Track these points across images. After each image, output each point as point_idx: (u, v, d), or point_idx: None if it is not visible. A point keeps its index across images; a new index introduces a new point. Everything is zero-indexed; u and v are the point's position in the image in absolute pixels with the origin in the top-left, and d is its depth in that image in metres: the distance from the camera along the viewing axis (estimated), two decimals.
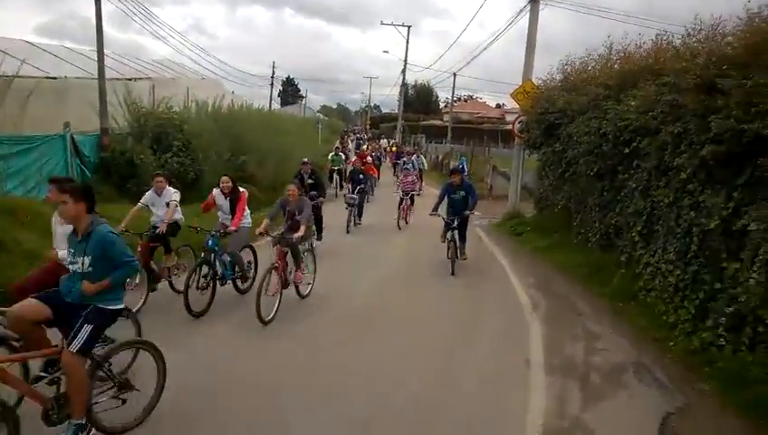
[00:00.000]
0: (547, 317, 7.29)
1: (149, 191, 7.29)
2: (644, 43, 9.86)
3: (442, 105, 69.69)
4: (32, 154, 10.54)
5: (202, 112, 17.03)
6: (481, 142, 31.96)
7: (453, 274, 9.10)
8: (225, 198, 7.41)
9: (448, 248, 9.38)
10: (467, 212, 9.56)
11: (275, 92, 52.64)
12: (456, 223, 9.37)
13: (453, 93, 41.86)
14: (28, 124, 10.57)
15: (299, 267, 7.19)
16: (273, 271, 6.60)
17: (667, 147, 7.08)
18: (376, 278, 8.92)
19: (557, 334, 6.63)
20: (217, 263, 6.95)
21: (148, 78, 17.67)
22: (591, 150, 9.54)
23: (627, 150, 8.27)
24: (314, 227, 9.69)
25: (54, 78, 13.33)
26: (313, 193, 10.01)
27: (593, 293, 8.40)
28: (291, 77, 74.71)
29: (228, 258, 7.10)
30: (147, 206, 7.27)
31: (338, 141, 32.76)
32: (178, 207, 7.25)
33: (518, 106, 15.48)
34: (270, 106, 38.73)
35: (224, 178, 7.47)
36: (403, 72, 38.70)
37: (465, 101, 70.05)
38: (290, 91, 75.17)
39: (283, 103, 65.29)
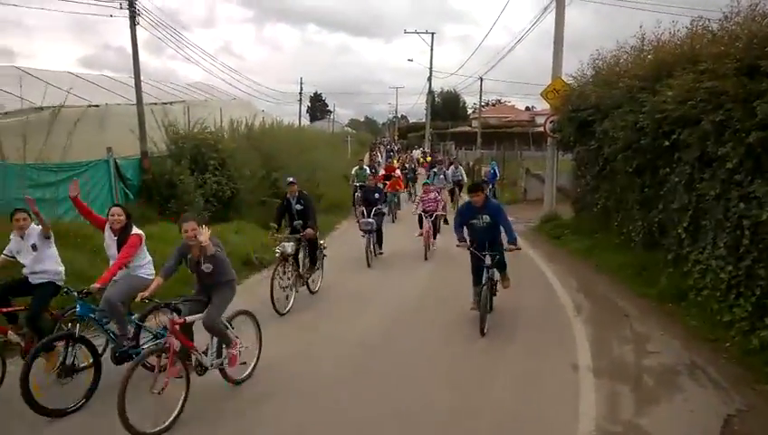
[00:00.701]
0: (592, 320, 7.10)
1: (12, 235, 5.27)
2: (678, 30, 9.60)
3: (469, 111, 69.29)
4: (80, 179, 10.94)
5: (235, 132, 17.41)
6: (512, 146, 31.60)
7: (483, 334, 6.41)
8: (114, 235, 5.48)
9: (479, 302, 6.65)
10: (507, 247, 6.88)
11: (304, 109, 53.35)
12: (489, 260, 6.67)
13: (480, 98, 41.66)
14: (73, 151, 10.99)
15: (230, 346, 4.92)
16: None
17: (709, 136, 6.82)
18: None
19: (604, 337, 6.44)
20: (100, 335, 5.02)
21: (183, 101, 18.17)
22: (629, 146, 9.29)
23: (667, 143, 8.00)
24: (308, 261, 8.25)
25: (96, 106, 13.85)
26: (298, 223, 8.11)
27: (639, 294, 8.15)
28: (318, 92, 75.69)
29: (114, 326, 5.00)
30: (11, 257, 5.27)
31: (366, 154, 32.84)
32: (55, 253, 5.38)
33: (548, 106, 15.27)
34: (299, 122, 39.27)
35: (113, 210, 5.55)
36: (429, 79, 38.74)
37: (493, 105, 69.50)
38: (318, 107, 76.14)
39: (312, 119, 66.24)
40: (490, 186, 21.71)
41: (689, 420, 4.52)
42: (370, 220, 10.65)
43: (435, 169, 17.59)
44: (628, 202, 9.96)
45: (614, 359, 5.80)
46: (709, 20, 8.47)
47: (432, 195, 11.97)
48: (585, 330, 6.69)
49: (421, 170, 27.18)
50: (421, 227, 11.41)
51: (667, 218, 8.37)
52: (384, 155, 34.74)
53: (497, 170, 22.38)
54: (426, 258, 10.90)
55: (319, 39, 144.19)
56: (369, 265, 10.26)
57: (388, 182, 16.26)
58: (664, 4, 19.73)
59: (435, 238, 11.65)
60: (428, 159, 29.85)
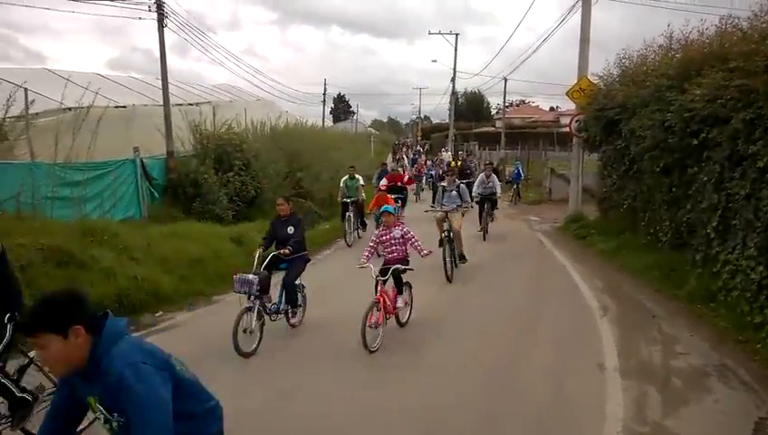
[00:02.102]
0: (619, 321, 6.97)
1: None
2: (706, 29, 9.41)
3: (493, 111, 68.77)
4: (107, 178, 11.22)
5: (259, 132, 17.62)
6: (536, 146, 31.29)
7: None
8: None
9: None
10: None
11: (327, 110, 53.65)
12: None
13: (504, 98, 41.26)
14: (101, 151, 11.25)
15: None
16: None
17: (739, 135, 6.66)
18: None
19: (631, 338, 6.32)
20: None
21: (208, 102, 18.46)
22: (656, 145, 9.11)
23: (695, 142, 7.82)
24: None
25: (123, 106, 14.17)
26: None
27: (667, 295, 7.98)
28: (341, 93, 76.03)
29: None
30: None
31: (389, 155, 32.37)
32: None
33: (573, 106, 15.06)
34: (323, 123, 39.50)
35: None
36: (453, 80, 38.49)
37: (517, 105, 68.83)
38: (341, 108, 76.51)
39: (336, 120, 66.53)
40: (515, 185, 21.55)
41: (719, 423, 4.40)
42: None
43: (444, 184, 10.94)
44: (655, 202, 9.76)
45: (641, 360, 5.68)
46: (738, 18, 8.30)
47: (396, 232, 6.78)
48: (612, 331, 6.57)
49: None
50: (376, 290, 6.21)
51: (696, 218, 8.17)
52: (410, 157, 32.72)
53: (521, 170, 22.17)
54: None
55: (342, 41, 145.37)
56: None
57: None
58: (692, 3, 19.25)
59: (401, 315, 6.72)
60: (459, 163, 21.79)
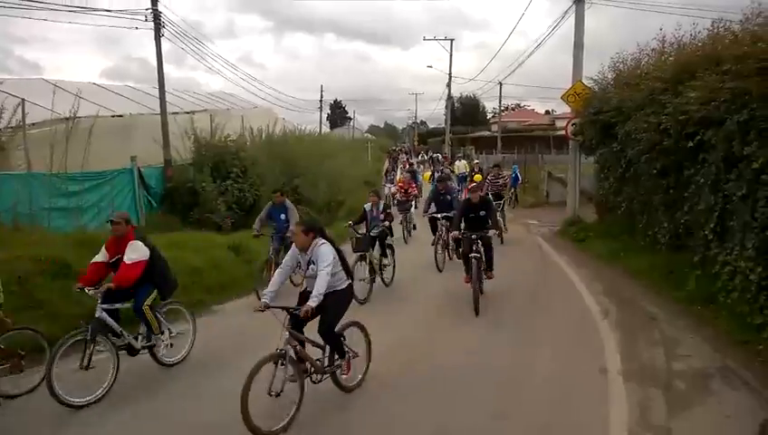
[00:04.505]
0: (620, 324, 6.97)
1: None
2: (699, 32, 9.50)
3: (489, 116, 68.99)
4: (104, 188, 11.20)
5: (256, 139, 17.62)
6: (532, 150, 31.35)
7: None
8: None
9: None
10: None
11: (324, 116, 53.74)
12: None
13: (500, 103, 41.37)
14: (99, 160, 11.25)
15: None
16: None
17: (734, 137, 6.70)
18: None
19: (632, 341, 6.32)
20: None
21: (205, 110, 18.48)
22: (652, 147, 9.14)
23: (691, 144, 7.86)
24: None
25: (121, 116, 14.17)
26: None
27: (667, 297, 7.98)
28: (338, 100, 76.06)
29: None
30: None
31: (386, 162, 31.33)
32: None
33: (569, 109, 15.10)
34: (320, 129, 39.59)
35: None
36: (448, 85, 38.65)
37: (513, 109, 69.07)
38: (338, 114, 76.52)
39: (332, 126, 66.57)
40: (512, 190, 21.54)
41: (724, 426, 4.39)
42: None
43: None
44: (652, 204, 9.79)
45: (644, 363, 5.67)
46: (730, 21, 8.37)
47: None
48: (613, 334, 6.57)
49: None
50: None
51: (693, 220, 8.20)
52: (407, 169, 21.81)
53: (519, 174, 22.20)
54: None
55: (338, 48, 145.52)
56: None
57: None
58: (683, 6, 19.43)
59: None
60: (478, 176, 16.31)
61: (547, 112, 65.78)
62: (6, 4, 10.42)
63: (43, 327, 6.13)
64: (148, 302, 5.49)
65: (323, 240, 4.69)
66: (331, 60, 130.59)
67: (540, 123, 58.49)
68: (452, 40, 36.37)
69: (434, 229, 10.81)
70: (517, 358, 5.88)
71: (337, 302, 4.76)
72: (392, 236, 9.19)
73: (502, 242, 11.86)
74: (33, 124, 10.97)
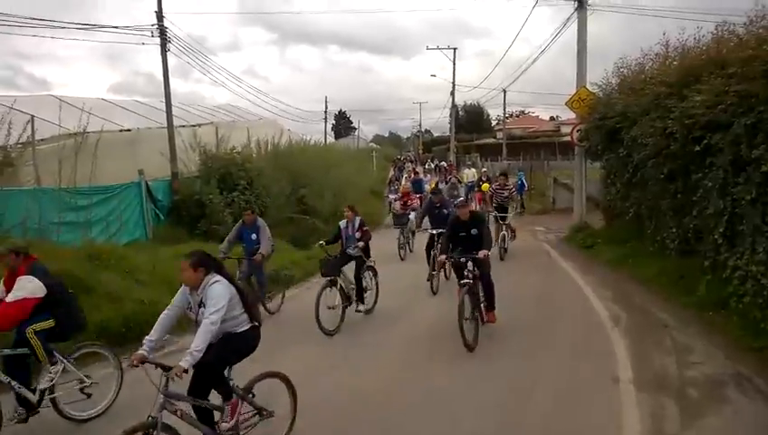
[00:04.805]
0: (630, 331, 6.91)
1: None
2: (703, 36, 9.48)
3: (493, 123, 68.97)
4: (112, 202, 11.27)
5: (262, 151, 17.70)
6: (537, 156, 31.31)
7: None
8: None
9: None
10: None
11: (329, 126, 53.91)
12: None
13: (504, 110, 41.43)
14: (106, 175, 11.33)
15: None
16: None
17: (741, 140, 6.66)
18: None
19: (644, 349, 6.25)
20: None
21: (211, 123, 18.59)
22: (659, 152, 9.11)
23: (698, 148, 7.80)
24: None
25: (128, 130, 14.29)
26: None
27: (677, 303, 7.91)
28: (342, 110, 76.37)
29: None
30: None
31: (391, 170, 30.85)
32: None
33: (573, 115, 15.09)
34: (325, 140, 39.71)
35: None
36: (452, 93, 38.75)
37: (517, 116, 69.06)
38: (342, 124, 76.78)
39: (337, 136, 66.72)
40: (519, 197, 21.45)
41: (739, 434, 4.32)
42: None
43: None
44: (661, 209, 9.72)
45: (656, 371, 5.61)
46: (734, 24, 8.35)
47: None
48: (624, 342, 6.50)
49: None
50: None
51: (703, 224, 8.13)
52: (408, 177, 22.76)
53: (524, 181, 22.14)
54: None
55: (341, 59, 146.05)
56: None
57: None
58: (686, 10, 19.44)
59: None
60: (485, 186, 16.77)
61: (552, 118, 65.73)
62: (15, 23, 10.56)
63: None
64: (38, 327, 4.59)
65: (218, 277, 3.83)
66: (334, 71, 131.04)
67: (545, 129, 58.40)
68: (455, 49, 36.55)
69: (429, 247, 9.76)
70: (527, 366, 5.82)
71: (227, 344, 3.87)
72: (368, 257, 8.05)
73: (502, 259, 11.19)
74: (42, 140, 11.08)
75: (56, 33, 24.67)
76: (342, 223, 8.11)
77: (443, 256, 6.93)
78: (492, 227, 9.95)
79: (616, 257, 11.04)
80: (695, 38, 9.73)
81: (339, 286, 7.49)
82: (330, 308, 7.24)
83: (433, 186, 18.72)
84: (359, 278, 7.83)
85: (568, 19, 15.60)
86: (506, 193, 12.62)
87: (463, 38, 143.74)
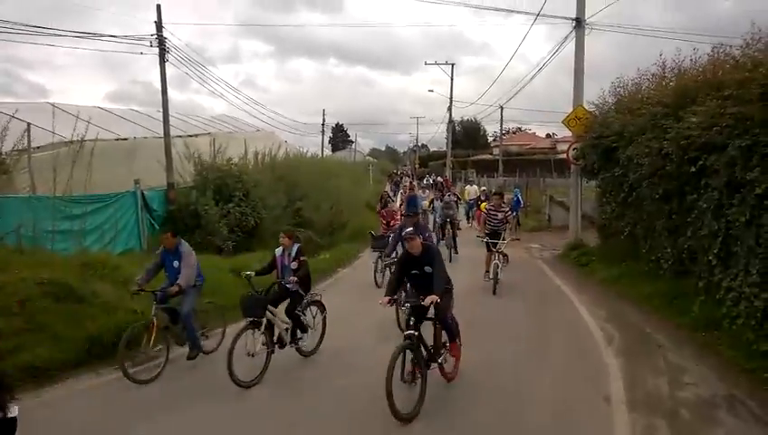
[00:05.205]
0: (624, 351, 6.89)
1: None
2: (699, 57, 9.59)
3: (490, 139, 69.44)
4: (107, 211, 11.23)
5: (259, 162, 17.73)
6: (533, 173, 31.43)
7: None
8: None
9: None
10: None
11: (326, 139, 54.09)
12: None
13: (501, 126, 41.64)
14: (102, 183, 11.30)
15: None
16: None
17: (736, 162, 6.73)
18: None
19: (637, 369, 6.24)
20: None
21: (208, 133, 18.64)
22: (655, 172, 9.18)
23: (693, 169, 7.88)
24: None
25: (124, 139, 14.30)
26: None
27: (671, 323, 7.91)
28: (340, 123, 76.74)
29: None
30: None
31: (387, 186, 30.68)
32: None
33: (570, 133, 15.19)
34: (322, 153, 39.88)
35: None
36: (449, 109, 38.98)
37: (514, 133, 69.55)
38: (340, 137, 77.10)
39: (334, 149, 66.97)
40: (514, 214, 21.45)
41: None
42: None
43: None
44: (655, 229, 9.76)
45: (648, 391, 5.59)
46: (731, 47, 8.46)
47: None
48: (617, 361, 6.49)
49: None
50: None
51: (697, 245, 8.16)
52: (403, 192, 21.96)
53: (521, 198, 22.19)
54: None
55: (339, 72, 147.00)
56: None
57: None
58: (682, 32, 19.69)
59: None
60: (483, 205, 15.71)
61: (548, 136, 66.26)
62: (13, 30, 10.59)
63: (46, 351, 6.15)
64: None
65: None
66: (332, 84, 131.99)
67: (541, 147, 58.83)
68: (453, 64, 36.82)
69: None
70: (520, 384, 5.80)
71: None
72: (307, 291, 6.74)
73: (494, 293, 9.94)
74: (38, 147, 11.08)
75: (55, 40, 24.86)
76: (278, 250, 6.78)
77: (386, 299, 5.45)
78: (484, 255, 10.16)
79: (610, 276, 11.04)
80: (691, 59, 9.86)
81: (263, 328, 6.07)
82: (249, 356, 5.92)
83: (428, 204, 17.81)
84: (293, 315, 6.57)
85: (565, 38, 15.79)
86: (500, 216, 10.92)
87: (462, 54, 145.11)
